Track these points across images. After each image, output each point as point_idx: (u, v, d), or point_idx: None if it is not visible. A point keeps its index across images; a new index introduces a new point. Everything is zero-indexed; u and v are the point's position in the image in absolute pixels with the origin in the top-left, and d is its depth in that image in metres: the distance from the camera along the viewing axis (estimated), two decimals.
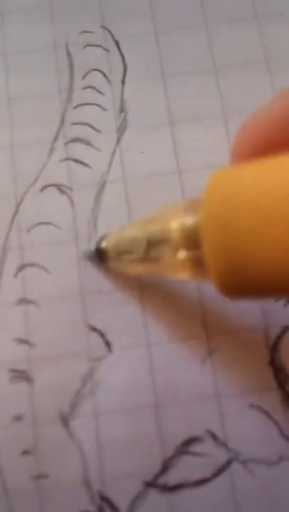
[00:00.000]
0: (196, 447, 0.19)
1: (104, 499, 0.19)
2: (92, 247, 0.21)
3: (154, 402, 0.20)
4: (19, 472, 0.19)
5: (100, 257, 0.20)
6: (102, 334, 0.20)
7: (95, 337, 0.20)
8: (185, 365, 0.20)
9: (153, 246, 0.18)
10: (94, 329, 0.20)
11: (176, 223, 0.17)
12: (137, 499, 0.19)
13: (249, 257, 0.14)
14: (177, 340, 0.20)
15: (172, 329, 0.20)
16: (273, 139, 0.16)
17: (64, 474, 0.19)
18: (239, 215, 0.14)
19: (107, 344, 0.20)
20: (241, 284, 0.15)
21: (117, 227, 0.20)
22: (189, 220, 0.16)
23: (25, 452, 0.19)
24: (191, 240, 0.16)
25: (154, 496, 0.19)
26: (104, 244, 0.20)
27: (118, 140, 0.23)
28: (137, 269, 0.20)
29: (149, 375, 0.20)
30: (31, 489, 0.19)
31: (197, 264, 0.16)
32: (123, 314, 0.20)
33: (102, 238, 0.21)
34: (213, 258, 0.15)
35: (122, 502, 0.19)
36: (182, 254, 0.17)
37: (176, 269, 0.17)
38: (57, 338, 0.20)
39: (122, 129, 0.23)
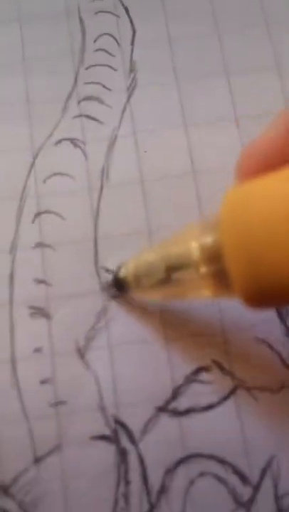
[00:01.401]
0: (204, 376, 0.20)
1: (119, 423, 0.20)
2: (111, 277, 0.21)
3: (164, 335, 0.21)
4: (38, 399, 0.20)
5: (119, 286, 0.21)
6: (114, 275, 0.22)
7: (108, 277, 0.22)
8: (194, 302, 0.21)
9: (173, 268, 0.18)
10: (107, 270, 0.22)
11: (196, 242, 0.17)
12: (149, 422, 0.20)
13: (269, 266, 0.15)
14: None
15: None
16: (276, 156, 0.17)
17: (80, 401, 0.20)
18: (256, 227, 0.15)
19: None
20: (264, 292, 0.15)
21: (134, 255, 0.21)
22: (209, 238, 0.17)
23: (44, 381, 0.20)
24: (212, 257, 0.17)
25: (165, 420, 0.20)
26: (122, 273, 0.20)
27: (128, 98, 0.24)
28: (158, 294, 0.20)
29: (158, 312, 0.21)
30: (50, 415, 0.20)
31: (219, 279, 0.17)
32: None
33: (119, 267, 0.21)
34: (236, 271, 0.15)
35: (135, 425, 0.20)
36: (204, 271, 0.17)
37: (198, 287, 0.18)
38: (72, 279, 0.22)
39: (131, 88, 0.24)
